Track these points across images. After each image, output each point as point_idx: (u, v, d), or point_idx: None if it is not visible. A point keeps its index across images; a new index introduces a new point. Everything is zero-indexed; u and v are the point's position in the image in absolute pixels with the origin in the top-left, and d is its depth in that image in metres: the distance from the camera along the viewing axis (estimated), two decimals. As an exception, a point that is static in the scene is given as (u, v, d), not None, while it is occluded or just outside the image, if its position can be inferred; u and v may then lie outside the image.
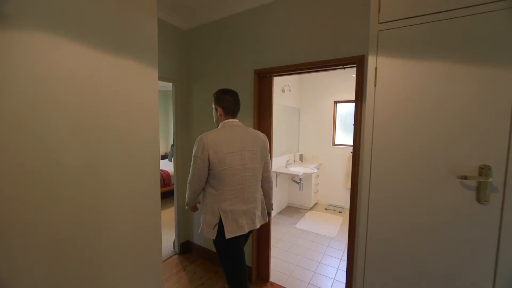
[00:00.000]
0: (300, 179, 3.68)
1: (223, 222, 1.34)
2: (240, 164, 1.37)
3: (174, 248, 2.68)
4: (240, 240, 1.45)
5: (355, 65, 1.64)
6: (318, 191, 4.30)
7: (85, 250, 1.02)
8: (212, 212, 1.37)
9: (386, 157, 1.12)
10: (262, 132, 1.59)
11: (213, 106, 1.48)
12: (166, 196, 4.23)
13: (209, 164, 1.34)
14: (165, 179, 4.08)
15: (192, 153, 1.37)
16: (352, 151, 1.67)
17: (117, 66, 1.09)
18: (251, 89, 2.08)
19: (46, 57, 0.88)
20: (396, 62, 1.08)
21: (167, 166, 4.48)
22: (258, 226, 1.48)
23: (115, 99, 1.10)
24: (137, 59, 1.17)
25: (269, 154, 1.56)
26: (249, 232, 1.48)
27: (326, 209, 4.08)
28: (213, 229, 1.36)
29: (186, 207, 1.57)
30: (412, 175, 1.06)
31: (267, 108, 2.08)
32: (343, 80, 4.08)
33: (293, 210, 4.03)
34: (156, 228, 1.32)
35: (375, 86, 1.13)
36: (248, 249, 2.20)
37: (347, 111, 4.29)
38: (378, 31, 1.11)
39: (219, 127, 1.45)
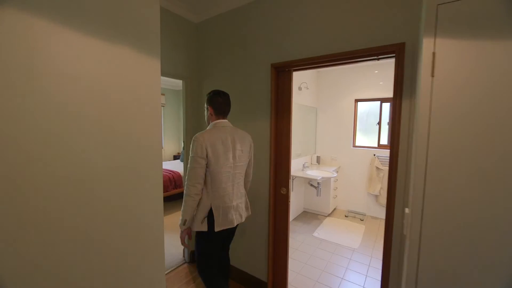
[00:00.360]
0: (318, 183, 3.42)
1: (215, 217, 1.43)
2: (232, 162, 1.47)
3: (184, 256, 2.52)
4: (225, 233, 1.53)
5: (393, 54, 1.39)
6: (336, 196, 4.02)
7: (80, 266, 0.85)
8: (204, 208, 1.44)
9: (449, 167, 0.86)
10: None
11: (205, 106, 1.56)
12: (177, 198, 4.10)
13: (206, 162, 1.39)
14: (176, 180, 3.94)
15: (190, 154, 1.39)
16: (388, 155, 1.42)
17: (110, 54, 0.92)
18: (267, 86, 1.86)
19: (20, 42, 0.71)
20: (463, 44, 0.83)
21: (179, 167, 4.34)
22: (244, 219, 1.60)
23: (108, 96, 0.92)
24: (135, 48, 0.98)
25: (253, 152, 1.66)
26: (235, 227, 1.60)
27: (345, 216, 3.79)
28: (202, 222, 1.43)
29: (184, 226, 1.43)
30: (486, 197, 0.81)
31: (286, 106, 1.85)
32: (365, 77, 3.77)
33: (309, 216, 3.77)
34: (159, 245, 1.14)
35: (432, 76, 0.88)
36: (262, 260, 2.00)
37: (368, 110, 3.97)
38: (438, 5, 0.86)
39: (210, 127, 1.52)
